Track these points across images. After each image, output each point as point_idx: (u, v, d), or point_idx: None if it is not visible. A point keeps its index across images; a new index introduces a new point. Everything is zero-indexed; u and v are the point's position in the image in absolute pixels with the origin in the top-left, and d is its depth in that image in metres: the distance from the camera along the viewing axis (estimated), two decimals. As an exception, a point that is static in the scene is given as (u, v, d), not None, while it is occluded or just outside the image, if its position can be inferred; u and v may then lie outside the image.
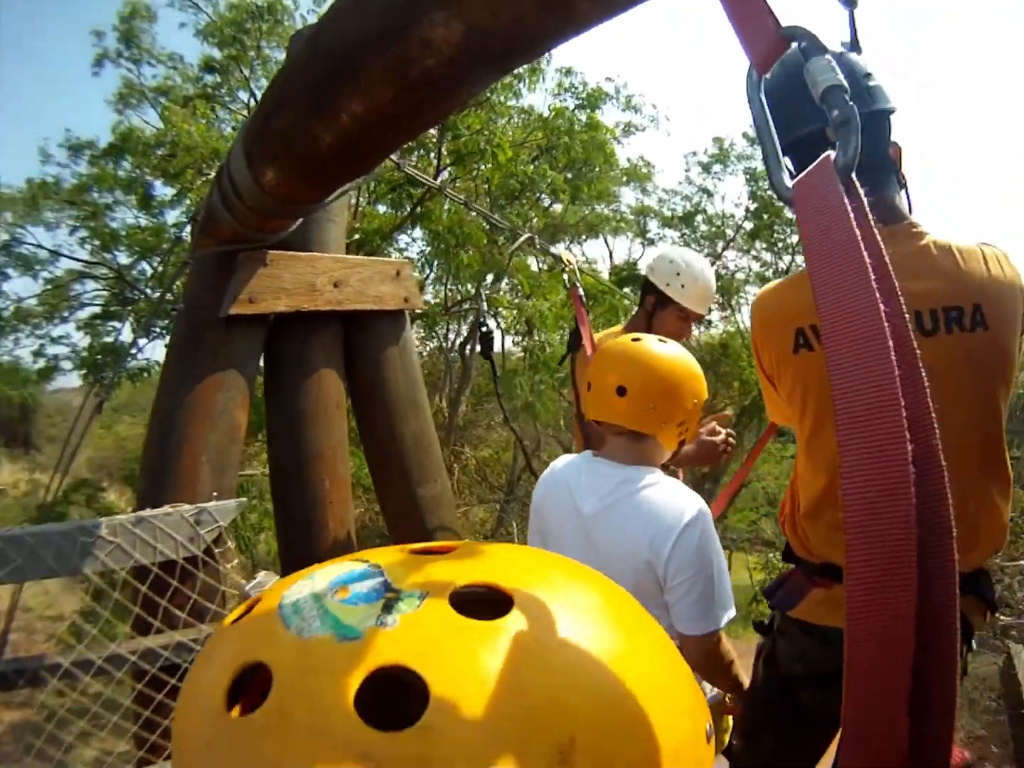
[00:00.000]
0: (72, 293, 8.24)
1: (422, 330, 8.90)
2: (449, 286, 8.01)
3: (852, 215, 0.40)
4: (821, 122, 1.27)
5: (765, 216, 10.28)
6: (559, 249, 2.95)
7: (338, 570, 0.38)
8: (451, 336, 9.43)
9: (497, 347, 9.06)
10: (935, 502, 0.36)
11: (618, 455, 1.40)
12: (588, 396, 1.43)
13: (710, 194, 10.99)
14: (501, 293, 7.65)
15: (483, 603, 0.35)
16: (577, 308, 2.60)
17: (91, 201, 7.77)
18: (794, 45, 0.44)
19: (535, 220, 8.22)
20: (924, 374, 0.38)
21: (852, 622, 0.37)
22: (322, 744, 0.30)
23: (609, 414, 1.37)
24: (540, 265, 7.64)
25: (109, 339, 7.15)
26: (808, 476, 1.28)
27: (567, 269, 2.68)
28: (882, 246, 0.40)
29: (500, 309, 7.40)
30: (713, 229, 11.05)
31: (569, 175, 7.69)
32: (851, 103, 0.42)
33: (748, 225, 10.63)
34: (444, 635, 0.33)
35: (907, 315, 0.38)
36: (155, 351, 7.20)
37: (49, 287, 8.06)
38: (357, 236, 6.58)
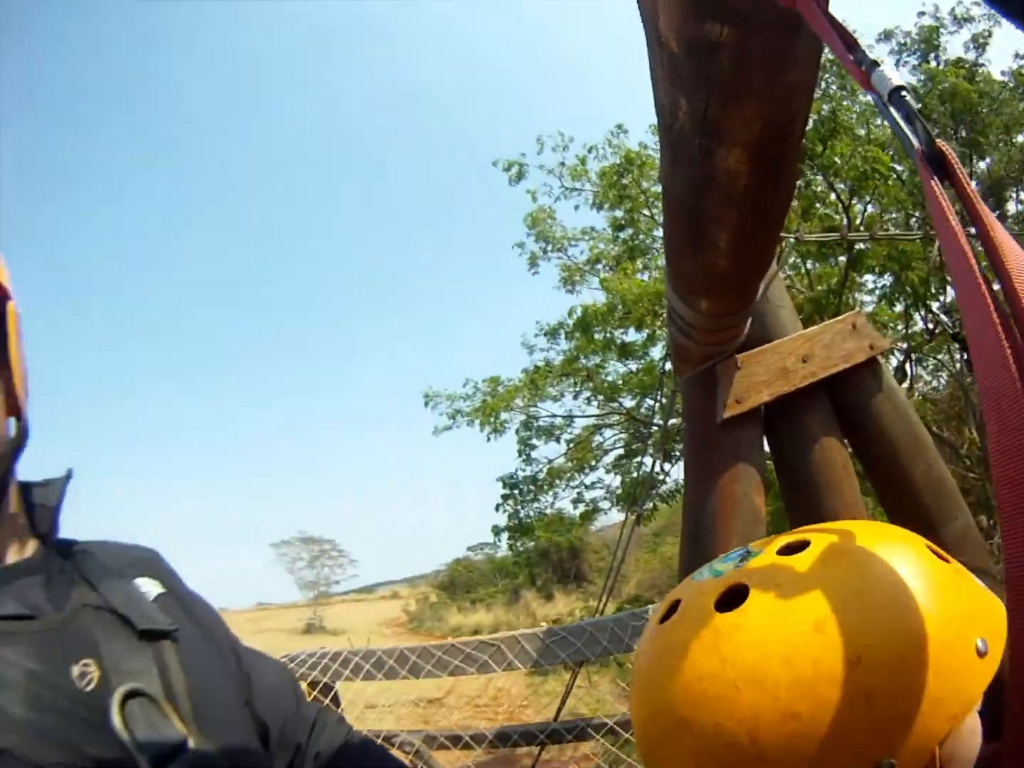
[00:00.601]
0: (594, 444, 9.67)
1: (926, 368, 8.01)
2: (921, 311, 7.09)
3: (943, 201, 0.43)
4: None
5: None
6: None
7: (728, 553, 0.67)
8: (956, 358, 8.12)
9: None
10: None
11: None
12: None
13: None
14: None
15: (798, 551, 0.59)
16: None
17: (581, 367, 9.27)
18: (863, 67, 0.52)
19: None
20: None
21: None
22: (695, 624, 0.57)
23: None
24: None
25: (636, 473, 8.06)
26: None
27: None
28: (984, 214, 0.42)
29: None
30: None
31: (965, 133, 6.46)
32: (906, 96, 0.49)
33: None
34: (764, 565, 0.59)
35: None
36: (679, 472, 7.91)
37: (572, 445, 9.69)
38: (810, 304, 6.48)
